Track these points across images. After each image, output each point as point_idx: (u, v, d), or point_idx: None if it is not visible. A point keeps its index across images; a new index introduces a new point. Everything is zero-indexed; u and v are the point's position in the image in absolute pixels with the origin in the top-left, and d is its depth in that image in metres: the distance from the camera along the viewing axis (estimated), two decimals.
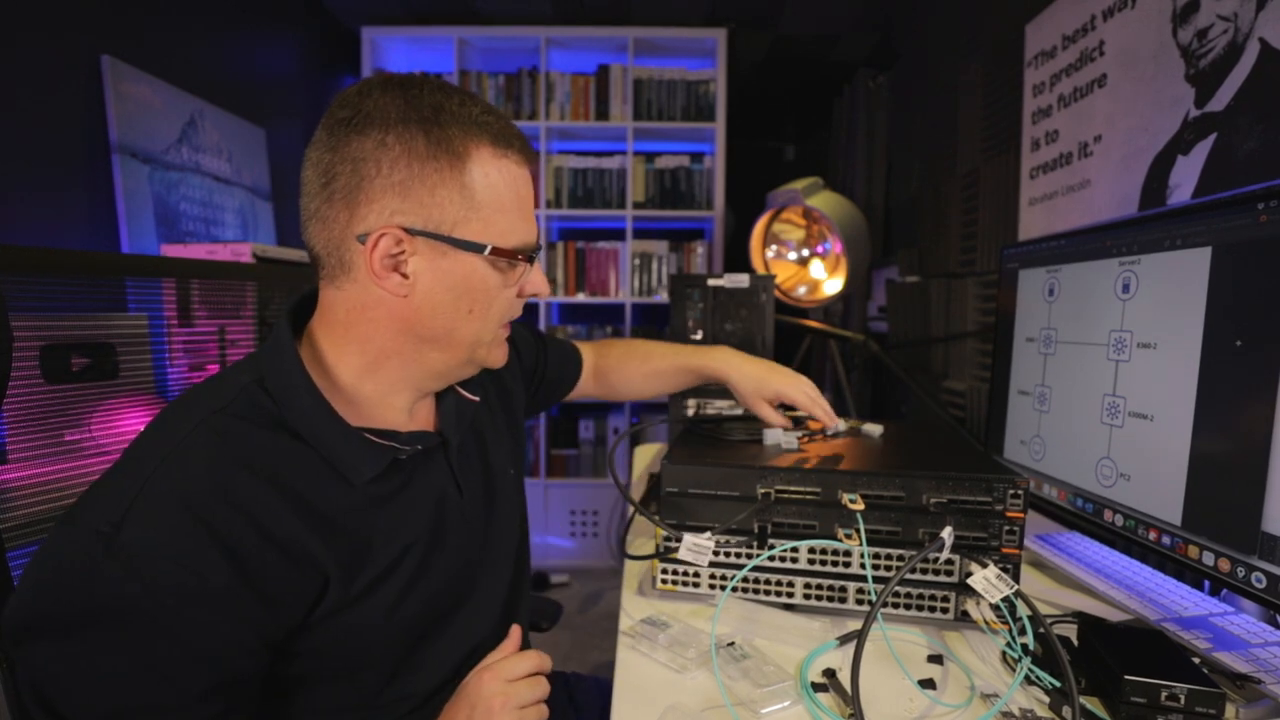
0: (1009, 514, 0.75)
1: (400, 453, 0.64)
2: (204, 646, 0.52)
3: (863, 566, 0.76)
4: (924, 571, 0.76)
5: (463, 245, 0.60)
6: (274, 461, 0.57)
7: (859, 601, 0.78)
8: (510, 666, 0.64)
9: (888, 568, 0.76)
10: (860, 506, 0.74)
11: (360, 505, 0.61)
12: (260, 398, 0.59)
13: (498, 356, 0.69)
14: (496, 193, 0.61)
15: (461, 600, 0.70)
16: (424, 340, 0.63)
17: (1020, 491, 0.74)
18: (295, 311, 0.66)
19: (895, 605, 0.77)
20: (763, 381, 1.01)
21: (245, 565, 0.52)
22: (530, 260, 0.65)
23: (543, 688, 0.65)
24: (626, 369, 1.11)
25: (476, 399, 0.77)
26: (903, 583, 0.77)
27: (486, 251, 0.60)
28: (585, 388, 1.12)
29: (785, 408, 1.06)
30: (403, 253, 0.59)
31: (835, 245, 2.29)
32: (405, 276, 0.59)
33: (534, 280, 0.68)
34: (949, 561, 0.75)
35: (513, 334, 0.99)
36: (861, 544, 0.74)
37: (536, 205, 2.83)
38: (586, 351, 1.13)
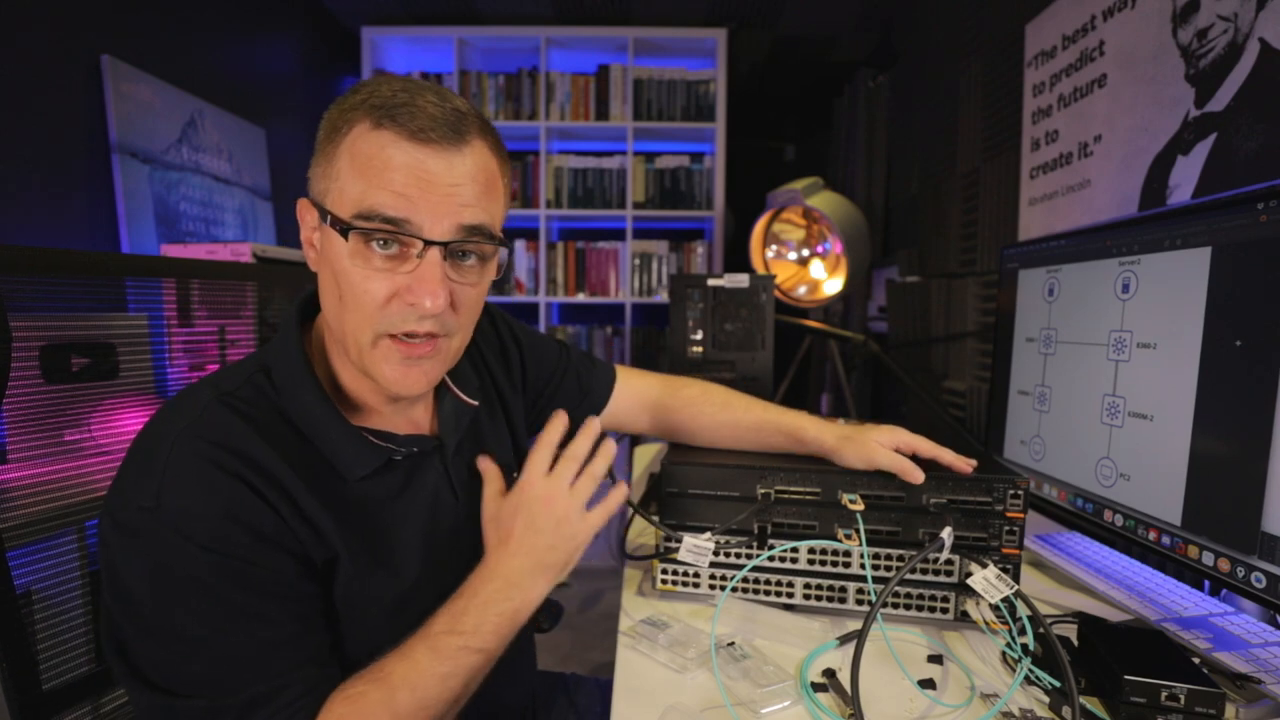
0: (1009, 514, 0.75)
1: (395, 453, 0.64)
2: (279, 582, 0.54)
3: (863, 566, 0.76)
4: (924, 571, 0.76)
5: (320, 210, 0.58)
6: (280, 441, 0.58)
7: (859, 601, 0.77)
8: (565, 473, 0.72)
9: (887, 568, 0.76)
10: (860, 507, 0.75)
11: (357, 501, 0.62)
12: (265, 387, 0.60)
13: (388, 376, 0.59)
14: (356, 161, 0.55)
15: None
16: (336, 330, 0.61)
17: (1020, 491, 0.74)
18: (309, 302, 0.67)
19: (895, 605, 0.77)
20: (893, 434, 0.80)
21: (280, 509, 0.55)
22: (341, 229, 0.55)
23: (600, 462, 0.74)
24: (701, 411, 0.92)
25: (475, 403, 0.75)
26: (902, 583, 0.77)
27: (328, 221, 0.56)
28: (634, 420, 0.96)
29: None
30: (314, 225, 0.60)
31: (835, 245, 2.29)
32: (314, 248, 0.61)
33: (412, 285, 0.56)
34: (949, 562, 0.75)
35: (532, 344, 0.89)
36: (861, 544, 0.74)
37: (535, 205, 2.82)
38: (649, 383, 0.96)
